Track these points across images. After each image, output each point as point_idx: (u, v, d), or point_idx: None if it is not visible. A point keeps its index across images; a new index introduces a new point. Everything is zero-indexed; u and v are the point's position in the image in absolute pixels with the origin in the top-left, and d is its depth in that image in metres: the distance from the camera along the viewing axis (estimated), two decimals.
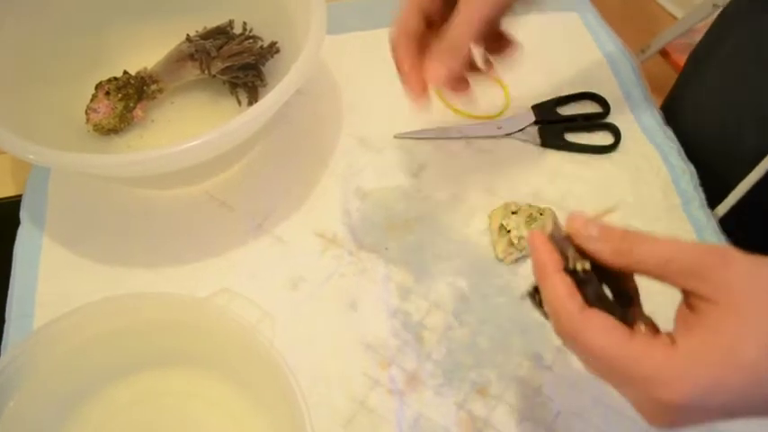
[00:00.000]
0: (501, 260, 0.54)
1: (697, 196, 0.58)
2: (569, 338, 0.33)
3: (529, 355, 0.50)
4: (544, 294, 0.34)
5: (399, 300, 0.52)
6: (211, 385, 0.47)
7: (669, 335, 0.31)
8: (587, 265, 0.34)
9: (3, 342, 0.50)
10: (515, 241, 0.53)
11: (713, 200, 0.58)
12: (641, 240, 0.32)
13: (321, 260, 0.54)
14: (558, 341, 0.50)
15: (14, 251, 0.55)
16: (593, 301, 0.33)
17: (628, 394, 0.32)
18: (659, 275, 0.32)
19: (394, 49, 0.45)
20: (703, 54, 0.66)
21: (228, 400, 0.46)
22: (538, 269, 0.34)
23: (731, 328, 0.29)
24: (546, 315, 0.35)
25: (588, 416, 0.47)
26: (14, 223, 0.56)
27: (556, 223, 0.35)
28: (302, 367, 0.48)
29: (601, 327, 0.31)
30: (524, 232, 0.53)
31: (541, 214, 0.54)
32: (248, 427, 0.45)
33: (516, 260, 0.54)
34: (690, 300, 0.31)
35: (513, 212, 0.54)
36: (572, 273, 0.34)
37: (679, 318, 0.32)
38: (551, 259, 0.34)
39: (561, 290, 0.33)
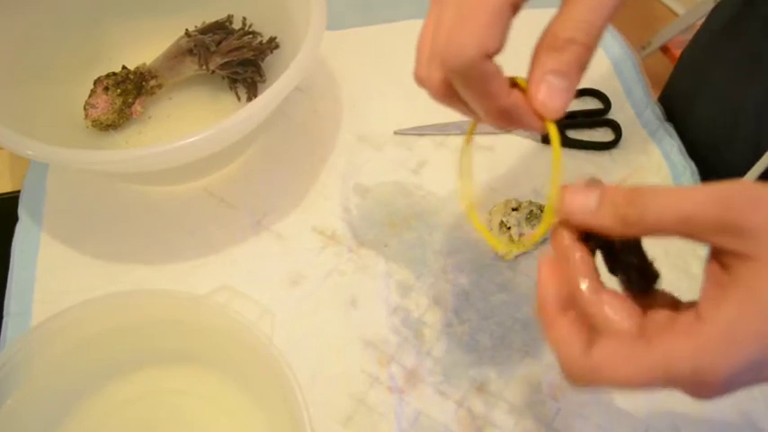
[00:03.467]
0: (501, 257, 0.54)
1: None
2: (585, 383, 0.29)
3: (529, 353, 0.50)
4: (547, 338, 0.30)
5: (399, 297, 0.52)
6: (210, 382, 0.46)
7: (695, 311, 0.27)
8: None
9: (0, 339, 0.50)
10: (516, 238, 0.53)
11: None
12: (650, 200, 0.27)
13: (321, 257, 0.54)
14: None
15: (12, 248, 0.54)
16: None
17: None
18: (681, 236, 0.27)
19: (471, 84, 0.31)
20: (698, 49, 0.66)
21: (227, 397, 0.46)
22: (537, 306, 0.31)
23: None
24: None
25: (588, 414, 0.47)
26: (12, 220, 0.56)
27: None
28: (301, 364, 0.47)
29: (615, 362, 0.27)
30: (525, 229, 0.53)
31: (542, 211, 0.54)
32: (247, 424, 0.45)
33: (517, 257, 0.54)
34: (720, 257, 0.27)
35: (513, 209, 0.54)
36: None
37: (710, 279, 0.27)
38: (551, 295, 0.30)
39: (561, 336, 0.29)
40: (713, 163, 0.59)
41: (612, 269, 0.31)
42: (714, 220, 0.26)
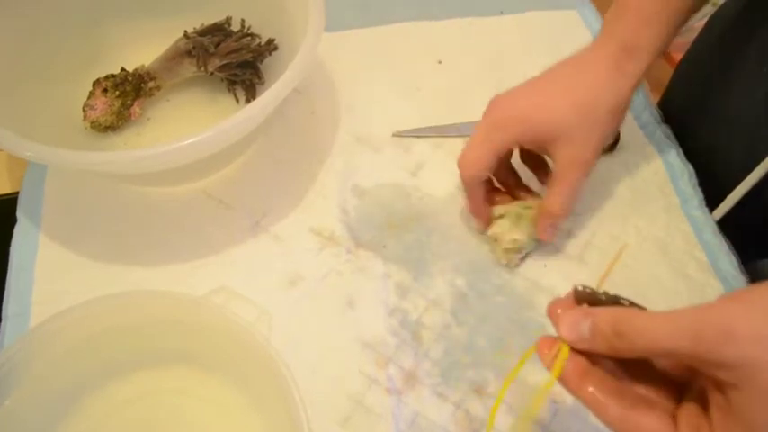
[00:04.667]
0: (505, 265, 0.53)
1: (696, 196, 0.58)
2: None
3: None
4: (580, 400, 0.33)
5: (397, 298, 0.52)
6: (208, 383, 0.46)
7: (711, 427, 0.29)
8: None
9: None
10: (509, 246, 0.52)
11: (708, 201, 0.58)
12: (636, 336, 0.30)
13: (319, 258, 0.54)
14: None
15: (11, 249, 0.54)
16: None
17: None
18: (672, 361, 0.31)
19: (468, 191, 0.52)
20: (695, 57, 0.66)
21: (225, 397, 0.46)
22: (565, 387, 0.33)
23: (763, 414, 0.26)
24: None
25: (586, 415, 0.47)
26: (11, 221, 0.56)
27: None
28: (299, 365, 0.47)
29: None
30: (516, 235, 0.52)
31: (528, 208, 0.53)
32: (245, 425, 0.45)
33: (523, 259, 0.54)
34: (714, 380, 0.28)
35: (499, 216, 0.53)
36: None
37: (712, 401, 0.29)
38: (572, 375, 0.33)
39: (595, 406, 0.32)
40: (712, 167, 0.59)
41: None
42: (691, 354, 0.28)
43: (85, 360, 0.45)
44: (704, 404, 0.30)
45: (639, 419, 0.30)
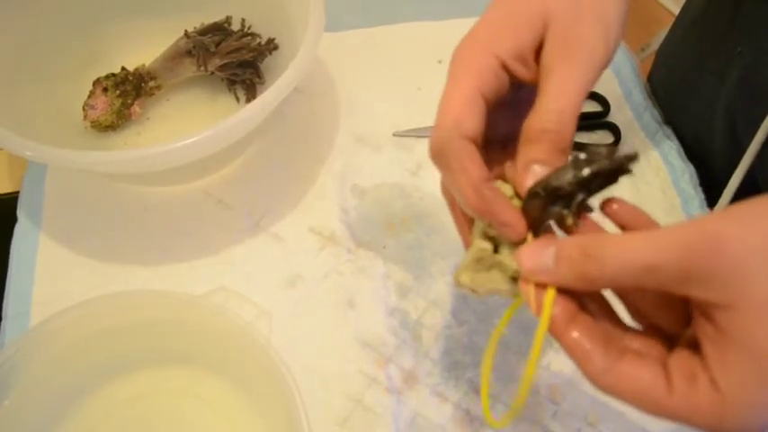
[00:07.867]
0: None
1: (696, 196, 0.58)
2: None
3: (526, 355, 0.50)
4: (563, 347, 0.29)
5: (397, 298, 0.52)
6: (208, 383, 0.46)
7: (708, 374, 0.25)
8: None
9: None
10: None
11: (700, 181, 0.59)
12: (608, 252, 0.26)
13: (318, 258, 0.54)
14: (556, 342, 0.50)
15: (11, 249, 0.54)
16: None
17: None
18: (649, 286, 0.26)
19: (452, 172, 0.34)
20: (672, 43, 0.66)
21: (225, 397, 0.46)
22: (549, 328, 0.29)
23: (760, 332, 0.24)
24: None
25: (585, 416, 0.47)
26: (11, 221, 0.56)
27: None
28: (299, 365, 0.48)
29: (634, 388, 0.27)
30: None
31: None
32: (244, 425, 0.45)
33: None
34: (701, 308, 0.26)
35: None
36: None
37: (702, 335, 0.26)
38: (559, 318, 0.28)
39: (579, 355, 0.28)
40: (697, 149, 0.60)
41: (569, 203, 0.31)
42: (678, 269, 0.25)
43: (85, 360, 0.45)
44: (696, 349, 0.27)
45: (627, 371, 0.27)
